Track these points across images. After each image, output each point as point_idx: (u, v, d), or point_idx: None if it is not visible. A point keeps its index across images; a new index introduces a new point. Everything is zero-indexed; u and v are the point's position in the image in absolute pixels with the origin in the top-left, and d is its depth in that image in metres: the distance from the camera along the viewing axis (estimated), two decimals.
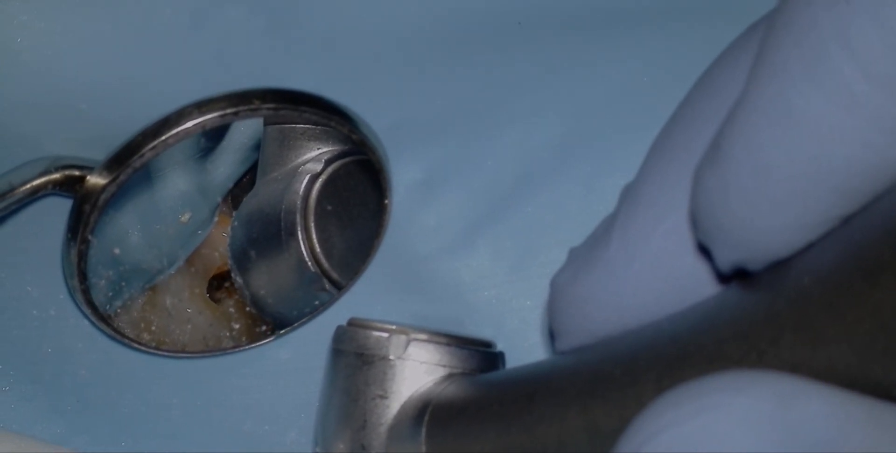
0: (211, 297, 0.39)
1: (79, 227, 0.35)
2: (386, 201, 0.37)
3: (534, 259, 0.38)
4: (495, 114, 0.39)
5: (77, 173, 0.35)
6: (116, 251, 0.37)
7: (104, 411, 0.38)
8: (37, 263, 0.38)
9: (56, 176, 0.35)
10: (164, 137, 0.34)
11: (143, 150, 0.34)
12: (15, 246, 0.38)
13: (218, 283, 0.39)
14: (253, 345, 0.38)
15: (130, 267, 0.38)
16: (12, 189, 0.34)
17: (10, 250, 0.38)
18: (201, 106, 0.34)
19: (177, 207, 0.37)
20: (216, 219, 0.39)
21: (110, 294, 0.37)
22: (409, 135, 0.39)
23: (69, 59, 0.36)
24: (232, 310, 0.39)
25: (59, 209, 0.37)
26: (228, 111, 0.34)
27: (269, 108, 0.34)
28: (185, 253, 0.38)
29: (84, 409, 0.38)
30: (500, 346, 0.35)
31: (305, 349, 0.38)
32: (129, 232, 0.37)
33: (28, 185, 0.34)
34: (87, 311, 0.36)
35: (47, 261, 0.37)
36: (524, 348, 0.38)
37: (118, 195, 0.34)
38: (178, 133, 0.34)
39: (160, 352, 0.37)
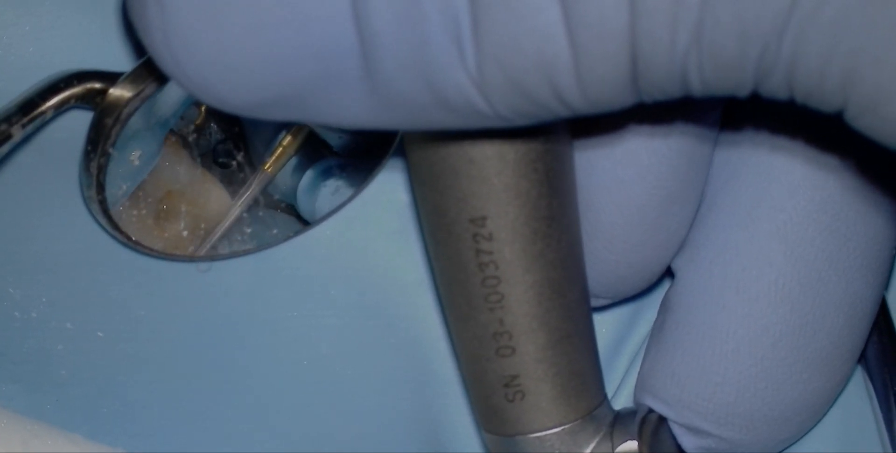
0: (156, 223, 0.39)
1: (99, 141, 0.34)
2: None
3: None
4: None
5: (98, 86, 0.34)
6: None
7: (83, 412, 0.38)
8: (20, 266, 0.37)
9: (77, 89, 0.34)
10: None
11: None
12: None
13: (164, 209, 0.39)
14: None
15: None
16: (39, 104, 0.33)
17: None
18: None
19: (128, 147, 0.36)
20: (162, 152, 0.38)
21: None
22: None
23: (57, 59, 0.35)
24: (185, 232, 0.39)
25: (41, 213, 0.37)
26: None
27: None
28: (131, 187, 0.38)
29: (63, 410, 0.38)
30: None
31: None
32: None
33: (52, 100, 0.33)
34: (103, 221, 0.36)
35: (30, 264, 0.37)
36: None
37: None
38: None
39: (174, 257, 0.38)
